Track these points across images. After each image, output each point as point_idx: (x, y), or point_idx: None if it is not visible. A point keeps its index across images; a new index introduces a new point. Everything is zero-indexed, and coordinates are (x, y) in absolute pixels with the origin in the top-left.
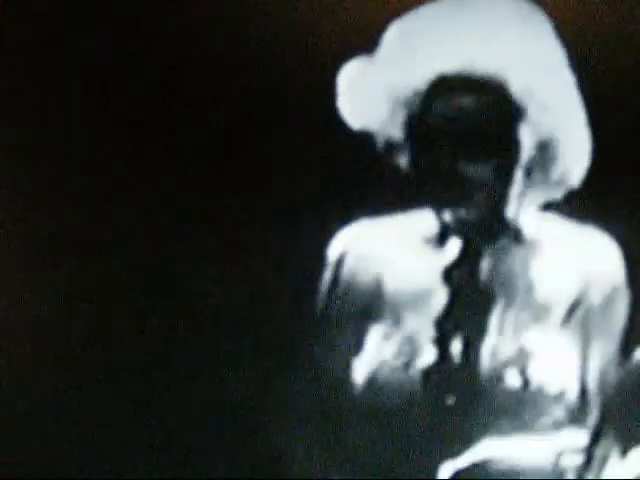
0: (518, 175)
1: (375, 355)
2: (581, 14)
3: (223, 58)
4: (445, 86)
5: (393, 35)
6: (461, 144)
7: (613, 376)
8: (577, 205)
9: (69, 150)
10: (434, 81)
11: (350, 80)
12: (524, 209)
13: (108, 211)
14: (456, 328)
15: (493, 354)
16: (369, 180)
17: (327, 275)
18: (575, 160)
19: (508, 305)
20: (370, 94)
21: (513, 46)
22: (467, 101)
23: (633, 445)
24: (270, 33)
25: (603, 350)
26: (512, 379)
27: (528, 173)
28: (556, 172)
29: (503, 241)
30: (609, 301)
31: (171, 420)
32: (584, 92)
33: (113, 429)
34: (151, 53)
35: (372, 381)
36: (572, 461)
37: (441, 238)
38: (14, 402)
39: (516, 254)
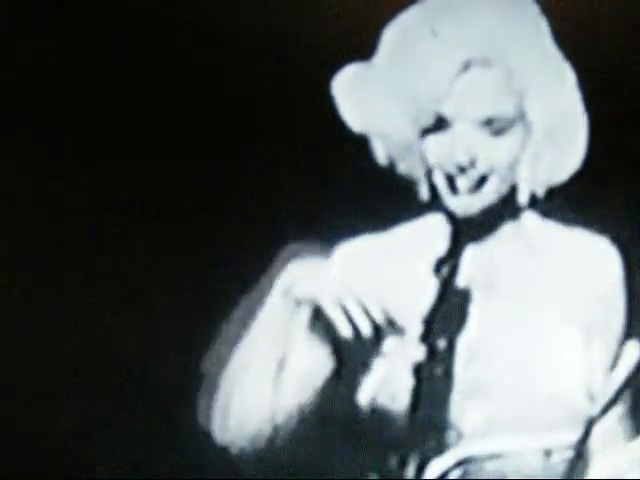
0: (528, 157)
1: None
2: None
3: (216, 63)
4: (462, 72)
5: (393, 34)
6: (479, 123)
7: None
8: (572, 203)
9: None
10: (454, 68)
11: (353, 85)
12: (527, 211)
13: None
14: (442, 325)
15: (473, 351)
16: (374, 189)
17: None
18: (574, 143)
19: (498, 301)
20: (380, 97)
21: (513, 31)
22: (484, 82)
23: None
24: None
25: (603, 350)
26: (502, 376)
27: (537, 155)
28: (558, 155)
29: (504, 234)
30: (608, 303)
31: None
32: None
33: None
34: (145, 54)
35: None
36: (561, 457)
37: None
38: None
39: (515, 251)
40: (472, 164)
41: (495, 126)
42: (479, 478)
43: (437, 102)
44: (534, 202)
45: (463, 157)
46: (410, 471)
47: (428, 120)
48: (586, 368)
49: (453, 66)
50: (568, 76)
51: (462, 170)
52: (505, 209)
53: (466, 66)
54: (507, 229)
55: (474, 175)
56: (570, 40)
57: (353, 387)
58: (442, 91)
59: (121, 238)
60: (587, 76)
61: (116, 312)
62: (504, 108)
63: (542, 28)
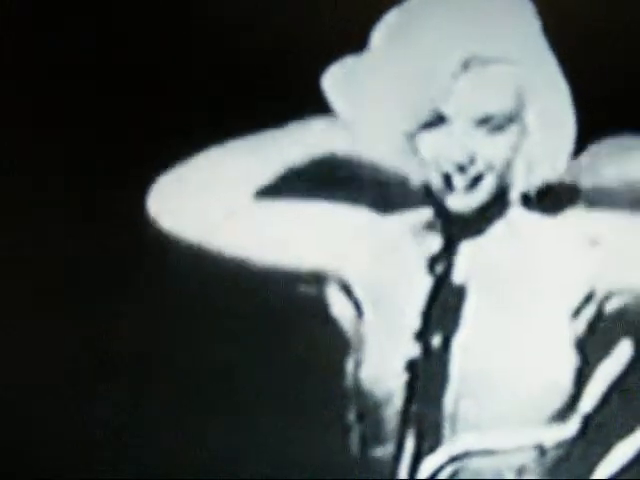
0: (523, 154)
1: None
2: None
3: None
4: (461, 69)
5: (389, 28)
6: (477, 121)
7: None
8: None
9: None
10: (453, 66)
11: (345, 79)
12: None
13: None
14: (437, 322)
15: (468, 347)
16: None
17: None
18: (568, 141)
19: (493, 297)
20: (374, 92)
21: (512, 30)
22: (484, 80)
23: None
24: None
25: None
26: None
27: (532, 152)
28: (553, 152)
29: (499, 230)
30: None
31: None
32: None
33: None
34: (144, 52)
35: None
36: (557, 454)
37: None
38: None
39: (509, 247)
40: (471, 162)
41: (493, 124)
42: (473, 475)
43: (435, 99)
44: (528, 199)
45: (462, 155)
46: (403, 467)
47: (424, 117)
48: (581, 364)
49: (452, 63)
50: (561, 76)
51: (461, 168)
52: (499, 206)
53: (466, 63)
54: (501, 225)
55: (472, 173)
56: (561, 39)
57: (344, 374)
58: (441, 88)
59: None
60: (580, 76)
61: None
62: (503, 106)
63: (537, 28)
